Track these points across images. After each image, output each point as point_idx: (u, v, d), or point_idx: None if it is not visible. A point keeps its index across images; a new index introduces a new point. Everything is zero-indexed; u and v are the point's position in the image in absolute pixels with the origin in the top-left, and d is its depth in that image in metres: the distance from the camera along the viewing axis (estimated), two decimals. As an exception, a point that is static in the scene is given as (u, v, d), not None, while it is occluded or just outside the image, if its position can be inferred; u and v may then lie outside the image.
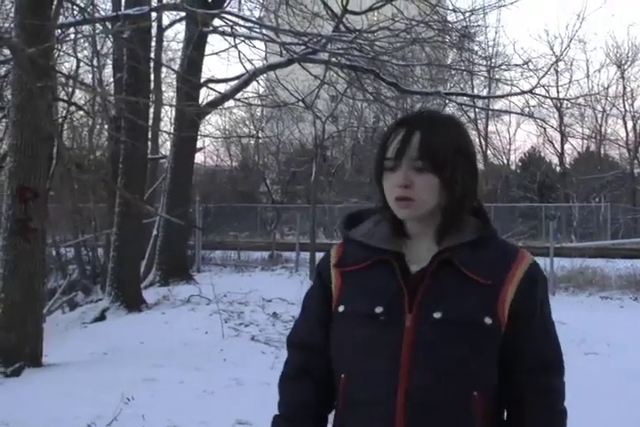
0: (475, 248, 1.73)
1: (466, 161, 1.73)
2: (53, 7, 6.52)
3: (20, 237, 7.27)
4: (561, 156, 34.27)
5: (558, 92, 22.86)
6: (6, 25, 10.79)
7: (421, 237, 1.78)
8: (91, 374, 6.99)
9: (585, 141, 34.87)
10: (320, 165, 26.53)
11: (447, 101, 19.07)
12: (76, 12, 10.73)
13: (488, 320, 1.67)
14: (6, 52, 8.67)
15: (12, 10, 9.91)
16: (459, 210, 1.73)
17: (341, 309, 1.77)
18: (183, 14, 13.13)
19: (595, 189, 31.78)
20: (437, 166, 1.68)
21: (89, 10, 8.60)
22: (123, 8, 11.10)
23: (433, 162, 1.68)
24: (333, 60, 12.27)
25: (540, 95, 15.51)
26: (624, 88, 33.41)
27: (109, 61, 16.94)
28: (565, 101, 20.15)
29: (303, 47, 11.89)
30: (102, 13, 10.43)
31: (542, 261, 14.83)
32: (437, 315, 1.66)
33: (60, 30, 9.13)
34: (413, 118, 1.79)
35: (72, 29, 10.29)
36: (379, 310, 1.69)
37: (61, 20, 7.86)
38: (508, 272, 1.71)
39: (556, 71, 23.92)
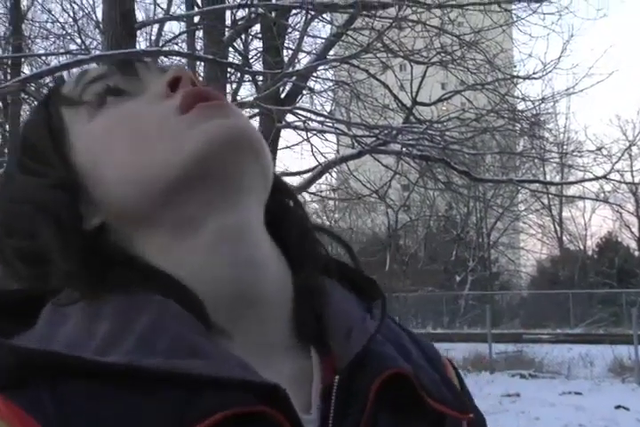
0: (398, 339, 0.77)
1: None
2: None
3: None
4: (639, 240, 33.62)
5: (633, 176, 22.70)
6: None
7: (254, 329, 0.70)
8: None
9: (663, 225, 34.26)
10: (393, 254, 26.50)
11: (520, 188, 19.00)
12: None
13: None
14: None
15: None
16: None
17: None
18: (257, 110, 13.48)
19: (676, 273, 30.99)
20: None
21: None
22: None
23: None
24: (405, 150, 12.38)
25: (614, 180, 15.37)
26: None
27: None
28: (641, 185, 19.92)
29: (374, 139, 12.03)
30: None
31: (626, 350, 14.41)
32: None
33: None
34: None
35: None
36: None
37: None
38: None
39: (630, 156, 23.75)
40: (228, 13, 9.32)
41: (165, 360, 0.60)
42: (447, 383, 0.75)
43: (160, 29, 7.27)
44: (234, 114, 0.71)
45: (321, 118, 12.06)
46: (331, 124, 12.26)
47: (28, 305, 0.69)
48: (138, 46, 7.18)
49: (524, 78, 12.18)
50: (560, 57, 11.24)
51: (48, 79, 9.21)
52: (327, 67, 12.47)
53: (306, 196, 18.21)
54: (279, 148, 14.74)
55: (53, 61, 10.21)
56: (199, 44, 9.40)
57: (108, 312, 0.64)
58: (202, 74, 10.21)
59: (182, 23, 9.42)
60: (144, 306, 0.64)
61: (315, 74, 11.94)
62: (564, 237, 35.05)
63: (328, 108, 13.91)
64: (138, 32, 6.73)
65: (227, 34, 9.06)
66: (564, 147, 17.02)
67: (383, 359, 0.70)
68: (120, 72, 0.77)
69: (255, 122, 15.70)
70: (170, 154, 0.67)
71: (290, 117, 12.62)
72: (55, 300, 0.67)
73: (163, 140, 0.68)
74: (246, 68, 10.49)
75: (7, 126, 9.60)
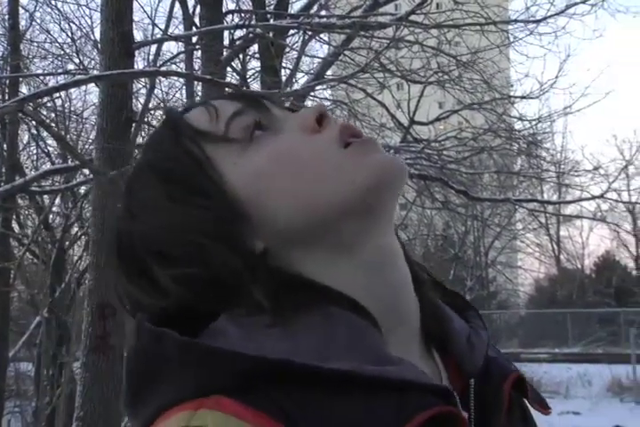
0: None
1: None
2: (132, 130, 6.76)
3: (99, 353, 7.32)
4: (637, 259, 33.60)
5: (630, 195, 22.73)
6: (87, 146, 11.22)
7: (406, 336, 0.78)
8: None
9: (661, 244, 34.26)
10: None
11: (517, 207, 19.01)
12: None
13: None
14: (86, 171, 8.97)
15: (92, 133, 10.34)
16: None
17: None
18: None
19: (675, 292, 30.93)
20: None
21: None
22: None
23: None
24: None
25: (611, 200, 15.36)
26: (697, 189, 32.88)
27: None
28: (638, 205, 19.95)
29: (372, 158, 12.06)
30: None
31: (625, 369, 14.39)
32: None
33: (137, 151, 9.48)
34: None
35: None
36: None
37: (139, 140, 8.15)
38: None
39: (627, 175, 23.80)
40: (225, 33, 9.36)
41: (376, 368, 0.65)
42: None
43: (158, 49, 7.26)
44: (382, 148, 0.79)
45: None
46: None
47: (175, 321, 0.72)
48: (136, 66, 7.20)
49: (521, 98, 12.23)
50: (557, 77, 11.28)
51: (46, 99, 9.24)
52: (325, 86, 12.52)
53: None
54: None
55: (51, 81, 10.24)
56: (197, 64, 9.43)
57: (303, 326, 0.69)
58: (199, 94, 10.26)
59: (180, 43, 9.44)
60: (333, 320, 0.70)
61: (312, 93, 11.98)
62: (562, 256, 35.06)
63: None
64: (136, 52, 6.73)
65: (225, 54, 9.08)
66: (562, 166, 17.05)
67: (501, 364, 0.82)
68: (252, 107, 0.82)
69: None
70: (342, 185, 0.75)
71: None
72: (240, 321, 0.70)
73: (331, 171, 0.75)
74: (244, 88, 10.52)
75: (4, 146, 9.59)
